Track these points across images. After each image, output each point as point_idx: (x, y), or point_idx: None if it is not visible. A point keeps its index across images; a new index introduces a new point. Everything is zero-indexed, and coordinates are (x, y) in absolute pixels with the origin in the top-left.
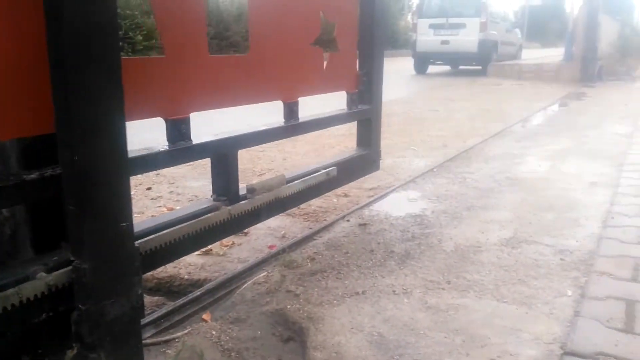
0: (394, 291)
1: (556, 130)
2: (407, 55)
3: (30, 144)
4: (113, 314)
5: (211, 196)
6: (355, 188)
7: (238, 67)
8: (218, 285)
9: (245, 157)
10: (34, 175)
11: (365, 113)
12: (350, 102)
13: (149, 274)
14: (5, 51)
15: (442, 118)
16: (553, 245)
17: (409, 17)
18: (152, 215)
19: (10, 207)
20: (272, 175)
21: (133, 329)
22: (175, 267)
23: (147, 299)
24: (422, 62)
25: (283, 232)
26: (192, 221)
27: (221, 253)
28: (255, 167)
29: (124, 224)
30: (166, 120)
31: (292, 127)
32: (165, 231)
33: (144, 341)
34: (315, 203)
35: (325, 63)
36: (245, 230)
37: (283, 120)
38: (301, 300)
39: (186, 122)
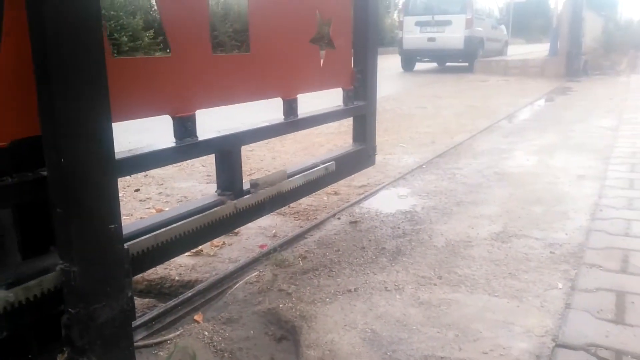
0: (386, 288)
1: (543, 125)
2: (394, 53)
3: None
4: (103, 317)
5: (216, 191)
6: (345, 186)
7: (239, 66)
8: (209, 286)
9: None
10: (19, 178)
11: (361, 109)
12: (346, 99)
13: (139, 276)
14: None
15: (430, 115)
16: (542, 238)
17: (395, 15)
18: (141, 217)
19: None
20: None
21: (124, 332)
22: (165, 268)
23: (138, 301)
24: (409, 60)
25: (274, 231)
26: (198, 215)
27: (212, 253)
28: (244, 167)
29: (112, 226)
30: (173, 118)
31: (292, 123)
32: (175, 224)
33: (135, 344)
34: (305, 201)
35: (322, 61)
36: (236, 230)
37: (282, 117)
38: (293, 299)
39: (192, 119)
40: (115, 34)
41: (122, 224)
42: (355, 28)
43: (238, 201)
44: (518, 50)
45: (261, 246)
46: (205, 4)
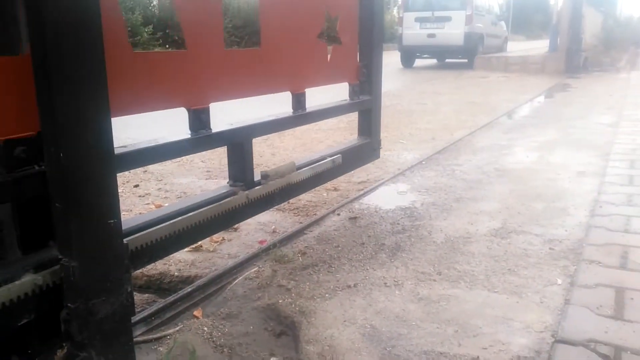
0: (385, 283)
1: (543, 121)
2: (394, 49)
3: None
4: (103, 312)
5: (227, 182)
6: (345, 182)
7: (251, 61)
8: (209, 282)
9: None
10: (19, 174)
11: (366, 104)
12: (352, 93)
13: (138, 271)
14: None
15: (430, 111)
16: (542, 234)
17: (395, 11)
18: (140, 213)
19: None
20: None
21: (123, 327)
22: (165, 263)
23: (138, 297)
24: (409, 56)
25: (273, 227)
26: (212, 205)
27: (211, 249)
28: None
29: (112, 221)
30: (188, 110)
31: (301, 116)
32: (190, 214)
33: (134, 339)
34: (305, 197)
35: (329, 56)
36: (235, 226)
37: (291, 110)
38: (293, 295)
39: (206, 112)
40: None
41: (142, 216)
42: (361, 24)
43: (250, 192)
44: (518, 47)
45: (261, 242)
46: (219, 1)
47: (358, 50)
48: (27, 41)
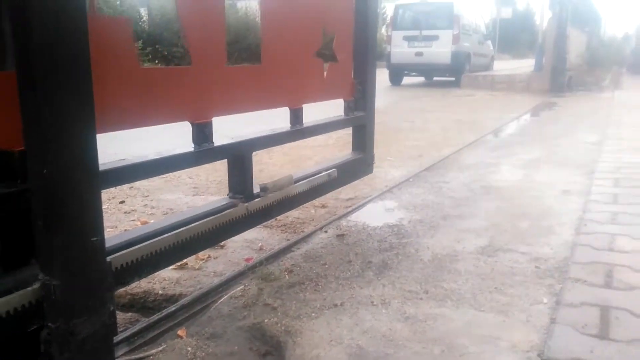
0: (372, 302)
1: (528, 139)
2: (382, 67)
3: None
4: (84, 332)
5: (228, 194)
6: (333, 199)
7: (251, 76)
8: (193, 300)
9: (221, 169)
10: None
11: (361, 119)
12: (347, 109)
13: (122, 289)
14: None
15: (418, 128)
16: (528, 253)
17: (383, 29)
18: (125, 230)
19: None
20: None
21: (105, 347)
22: (149, 282)
23: (120, 316)
24: (397, 74)
25: (260, 244)
26: (212, 217)
27: (197, 267)
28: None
29: (95, 239)
30: (192, 124)
31: (298, 131)
32: (189, 226)
33: (117, 359)
34: (292, 214)
35: (325, 73)
36: (222, 243)
37: (289, 125)
38: (279, 314)
39: (209, 125)
40: None
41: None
42: (356, 43)
43: (249, 204)
44: (504, 66)
45: (247, 259)
46: (223, 21)
47: (353, 67)
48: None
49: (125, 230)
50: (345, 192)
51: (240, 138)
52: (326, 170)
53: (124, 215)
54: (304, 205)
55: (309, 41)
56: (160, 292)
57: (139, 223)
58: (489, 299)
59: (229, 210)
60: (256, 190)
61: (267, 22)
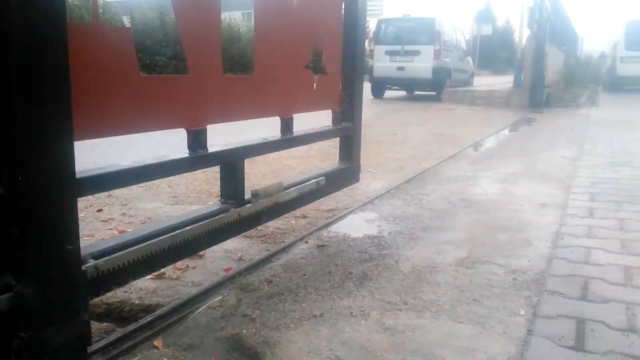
0: (351, 313)
1: (507, 153)
2: (364, 80)
3: None
4: (57, 342)
5: (220, 200)
6: (314, 209)
7: (245, 86)
8: (171, 311)
9: (201, 179)
10: None
11: (348, 130)
12: (335, 120)
13: (97, 299)
14: None
15: (399, 141)
16: (506, 265)
17: (366, 44)
18: (103, 238)
19: None
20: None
21: (79, 358)
22: (125, 291)
23: (96, 326)
24: (379, 87)
25: (240, 254)
26: (205, 221)
27: (174, 277)
28: (212, 189)
29: (70, 247)
30: (188, 131)
31: (289, 140)
32: (184, 229)
33: None
34: (273, 224)
35: (315, 85)
36: (200, 253)
37: (280, 134)
38: (257, 325)
39: (204, 133)
40: None
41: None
42: (344, 57)
43: (241, 209)
44: (484, 81)
45: (226, 270)
46: (219, 31)
47: (341, 80)
48: None
49: (102, 239)
50: (326, 202)
51: (232, 145)
52: (315, 179)
53: (101, 224)
54: (285, 215)
55: (300, 54)
56: (136, 302)
57: (116, 232)
58: (467, 311)
59: (222, 215)
60: (247, 196)
61: (260, 35)
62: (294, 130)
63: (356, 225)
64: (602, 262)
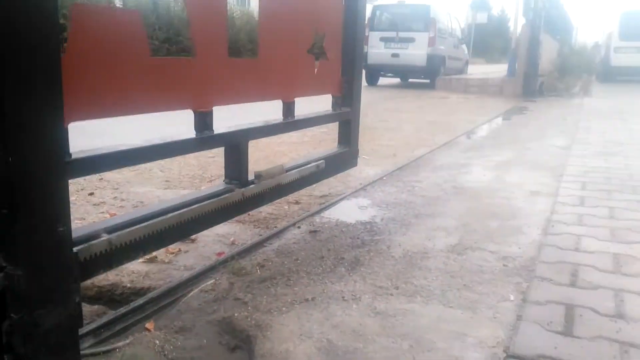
0: (343, 297)
1: (500, 142)
2: None
3: None
4: (48, 323)
5: (224, 180)
6: (306, 195)
7: (249, 69)
8: (162, 294)
9: (193, 164)
10: None
11: (347, 115)
12: (335, 105)
13: (88, 281)
14: None
15: (392, 128)
16: (497, 251)
17: None
18: (94, 221)
19: None
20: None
21: (70, 339)
22: (117, 274)
23: (87, 308)
24: (373, 74)
25: (232, 238)
26: (210, 200)
27: (167, 260)
28: (205, 174)
29: (61, 229)
30: (195, 112)
31: (291, 123)
32: (186, 209)
33: (82, 352)
34: (265, 210)
35: (316, 70)
36: (193, 237)
37: (282, 117)
38: (249, 308)
39: (210, 114)
40: None
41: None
42: (345, 43)
43: (245, 190)
44: (478, 70)
45: (218, 254)
46: (225, 15)
47: (341, 66)
48: None
49: (94, 221)
50: (319, 189)
51: (237, 127)
52: (315, 162)
53: (92, 208)
54: (277, 201)
55: (301, 39)
56: (128, 285)
57: (108, 215)
58: (457, 296)
59: (227, 195)
60: (250, 177)
61: (264, 20)
62: (295, 114)
63: (349, 211)
64: (592, 249)
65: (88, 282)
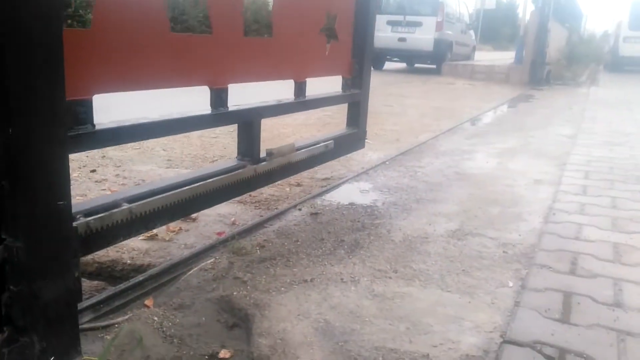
0: (342, 279)
1: (504, 129)
2: None
3: None
4: (47, 296)
5: (237, 157)
6: (308, 178)
7: (263, 49)
8: (162, 271)
9: (196, 144)
10: None
11: (356, 96)
12: (345, 86)
13: (89, 257)
14: None
15: (397, 113)
16: (497, 238)
17: None
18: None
19: None
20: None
21: (69, 313)
22: (117, 251)
23: (87, 283)
24: (379, 58)
25: (233, 218)
26: (224, 175)
27: (167, 238)
28: (207, 154)
29: (61, 203)
30: (211, 89)
31: (302, 102)
32: (198, 184)
33: (81, 326)
34: (267, 191)
35: (327, 52)
36: (193, 216)
37: (293, 97)
38: (248, 287)
39: (225, 91)
40: (80, 11)
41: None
42: (356, 26)
43: (257, 166)
44: (485, 56)
45: (219, 233)
46: None
47: (352, 48)
48: None
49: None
50: (321, 172)
51: (250, 105)
52: (324, 142)
53: (94, 184)
54: (279, 182)
55: (314, 19)
56: (128, 261)
57: (109, 192)
58: (456, 281)
59: (239, 170)
60: (262, 154)
61: (279, 1)
62: (306, 94)
63: (350, 195)
64: (593, 238)
65: (89, 257)
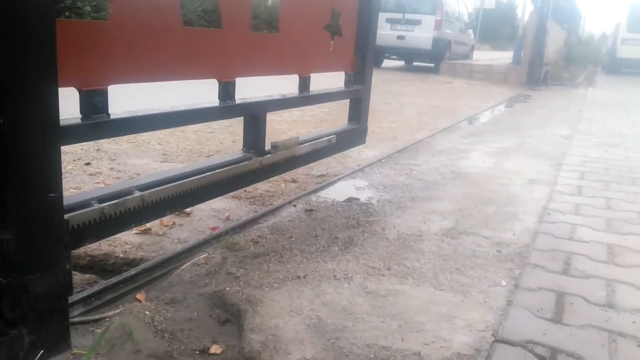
0: (335, 276)
1: (501, 129)
2: None
3: None
4: (37, 289)
5: (242, 149)
6: (304, 174)
7: (269, 44)
8: (155, 265)
9: (192, 138)
10: None
11: (358, 92)
12: (347, 82)
13: (81, 250)
14: None
15: (394, 111)
16: (491, 237)
17: None
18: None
19: None
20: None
21: (59, 306)
22: (110, 244)
23: (78, 277)
24: (378, 56)
25: (227, 214)
26: (230, 167)
27: (160, 233)
28: (203, 148)
29: (53, 195)
30: (219, 82)
31: (306, 97)
32: (206, 174)
33: (71, 319)
34: (262, 187)
35: (331, 48)
36: (187, 211)
37: (297, 91)
38: (241, 283)
39: (233, 85)
40: (78, 3)
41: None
42: (359, 23)
43: (262, 158)
44: (483, 56)
45: (213, 228)
46: None
47: (355, 45)
48: None
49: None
50: (316, 168)
51: (256, 99)
52: (327, 136)
53: (88, 177)
54: (274, 178)
55: (319, 16)
56: (121, 255)
57: (103, 186)
58: (449, 279)
59: (245, 162)
60: (267, 147)
61: None
62: (310, 89)
63: (345, 192)
64: (587, 239)
65: (81, 250)
